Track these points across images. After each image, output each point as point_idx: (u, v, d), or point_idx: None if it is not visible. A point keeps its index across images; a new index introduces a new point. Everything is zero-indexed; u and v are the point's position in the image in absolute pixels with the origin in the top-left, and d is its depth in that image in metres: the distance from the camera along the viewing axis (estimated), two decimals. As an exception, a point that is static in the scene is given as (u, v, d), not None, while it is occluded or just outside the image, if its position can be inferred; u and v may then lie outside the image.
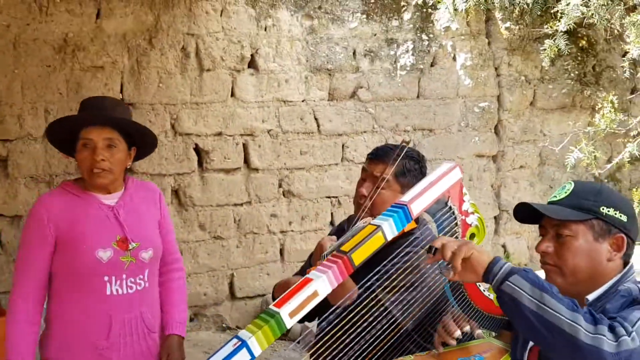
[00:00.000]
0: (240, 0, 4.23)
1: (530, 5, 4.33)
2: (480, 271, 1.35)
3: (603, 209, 1.44)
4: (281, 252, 4.49)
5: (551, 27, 4.14)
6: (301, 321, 1.40)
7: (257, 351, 1.24)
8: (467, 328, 1.53)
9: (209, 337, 4.02)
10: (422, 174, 1.89)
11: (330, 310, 1.58)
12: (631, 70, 4.27)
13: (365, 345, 1.56)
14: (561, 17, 4.01)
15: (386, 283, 1.59)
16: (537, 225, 1.55)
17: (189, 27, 4.09)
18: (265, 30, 4.30)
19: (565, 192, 1.50)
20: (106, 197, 2.01)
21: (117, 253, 1.96)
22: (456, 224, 1.57)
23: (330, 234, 2.31)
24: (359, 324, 1.57)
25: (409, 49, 4.71)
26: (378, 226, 1.42)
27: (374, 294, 1.63)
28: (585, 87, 5.10)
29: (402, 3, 4.70)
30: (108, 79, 3.90)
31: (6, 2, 3.65)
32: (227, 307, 4.34)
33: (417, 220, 1.89)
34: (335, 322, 1.54)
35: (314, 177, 4.52)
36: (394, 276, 1.57)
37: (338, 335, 1.52)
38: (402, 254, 1.57)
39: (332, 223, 4.55)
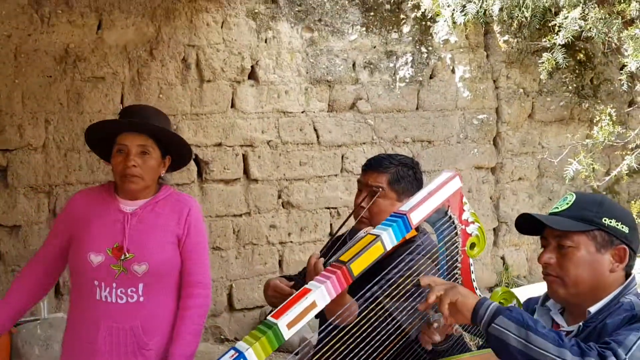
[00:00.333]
0: (241, 13, 4.26)
1: (529, 19, 4.36)
2: (468, 315, 1.37)
3: (605, 220, 1.44)
4: (280, 263, 4.48)
5: (549, 40, 4.16)
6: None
7: (254, 363, 1.22)
8: (457, 326, 1.51)
9: (207, 348, 4.00)
10: (416, 179, 1.91)
11: (329, 322, 1.58)
12: (629, 84, 4.28)
13: (365, 356, 1.55)
14: (559, 31, 4.03)
15: (389, 291, 1.58)
16: (536, 237, 1.56)
17: (190, 38, 4.11)
18: (266, 42, 4.33)
19: (567, 203, 1.50)
20: (127, 203, 2.02)
21: (108, 260, 1.95)
22: (456, 234, 1.56)
23: (327, 244, 2.32)
24: (358, 334, 1.56)
25: (408, 61, 4.74)
26: (377, 236, 1.42)
27: (376, 303, 1.62)
28: (583, 100, 5.12)
29: (402, 16, 4.74)
30: (109, 90, 3.92)
31: (8, 13, 3.67)
32: (225, 319, 4.33)
33: (417, 229, 1.89)
34: (334, 333, 1.53)
35: (313, 188, 4.52)
36: (396, 284, 1.56)
37: (337, 347, 1.51)
38: (404, 261, 1.57)
39: (331, 234, 4.55)
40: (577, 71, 5.10)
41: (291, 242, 4.49)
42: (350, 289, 1.50)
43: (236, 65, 4.24)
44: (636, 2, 3.59)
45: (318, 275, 1.50)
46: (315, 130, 4.52)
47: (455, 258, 1.58)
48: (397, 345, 1.58)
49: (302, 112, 4.47)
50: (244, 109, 4.29)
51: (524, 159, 5.18)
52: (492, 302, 1.37)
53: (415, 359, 1.62)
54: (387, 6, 4.70)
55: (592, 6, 3.81)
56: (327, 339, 1.52)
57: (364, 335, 1.53)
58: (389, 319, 1.63)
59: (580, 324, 1.43)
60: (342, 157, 4.61)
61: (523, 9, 4.26)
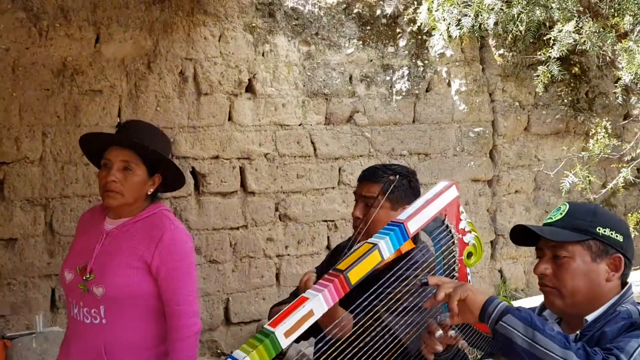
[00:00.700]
0: (238, 26, 4.29)
1: (523, 33, 4.41)
2: (476, 312, 1.37)
3: (599, 229, 1.44)
4: (277, 276, 4.47)
5: (544, 53, 4.21)
6: (297, 341, 1.38)
7: (251, 372, 1.22)
8: (452, 332, 1.50)
9: (204, 362, 3.97)
10: (411, 188, 1.92)
11: (324, 333, 1.57)
12: (624, 97, 4.33)
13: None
14: (554, 44, 4.07)
15: (387, 305, 1.58)
16: (533, 250, 1.56)
17: (187, 52, 4.13)
18: (263, 55, 4.35)
19: (561, 214, 1.51)
20: (110, 222, 1.99)
21: (76, 278, 1.94)
22: (453, 243, 1.56)
23: (327, 257, 2.31)
24: (355, 347, 1.55)
25: (405, 74, 4.77)
26: (374, 244, 1.41)
27: (373, 316, 1.62)
28: (578, 113, 5.15)
29: (398, 30, 4.78)
30: (106, 103, 3.93)
31: (6, 27, 3.69)
32: (222, 333, 4.30)
33: (415, 242, 1.89)
34: (330, 346, 1.52)
35: (310, 200, 4.52)
36: (394, 298, 1.56)
37: (335, 358, 1.51)
38: (402, 275, 1.56)
39: (328, 247, 4.54)
40: (572, 84, 5.14)
41: (288, 255, 4.47)
42: (348, 302, 1.50)
43: (233, 78, 4.26)
44: (630, 15, 3.63)
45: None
46: (313, 143, 4.53)
47: (452, 267, 1.58)
48: (395, 355, 1.57)
49: (299, 125, 4.48)
50: (241, 122, 4.30)
51: (521, 171, 5.19)
52: (501, 301, 1.37)
53: None
54: (384, 20, 4.74)
55: (586, 20, 3.85)
56: (323, 352, 1.51)
57: (360, 348, 1.53)
58: (386, 332, 1.63)
59: (578, 332, 1.43)
60: (339, 169, 4.62)
61: (518, 22, 4.31)
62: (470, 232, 1.63)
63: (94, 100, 3.90)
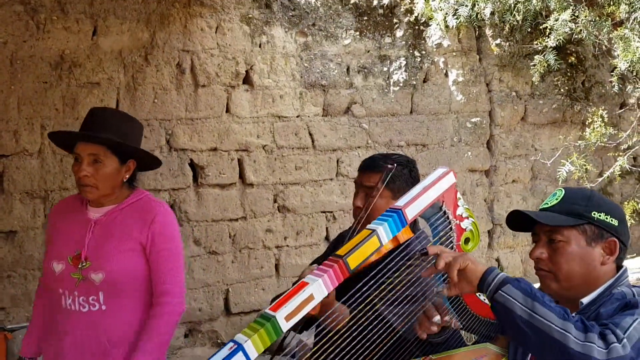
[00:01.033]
0: (234, 18, 4.28)
1: (520, 22, 4.42)
2: (475, 282, 1.37)
3: (594, 213, 1.46)
4: (276, 267, 4.49)
5: (541, 43, 4.22)
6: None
7: (253, 354, 1.24)
8: (447, 317, 1.52)
9: (204, 352, 3.99)
10: (411, 177, 1.94)
11: (319, 320, 1.58)
12: (620, 86, 4.34)
13: (362, 355, 1.55)
14: (550, 34, 4.08)
15: (383, 294, 1.59)
16: (530, 239, 1.58)
17: (184, 43, 4.13)
18: (260, 46, 4.35)
19: (556, 199, 1.53)
20: (94, 210, 2.00)
21: (68, 268, 1.93)
22: (451, 229, 1.58)
23: (329, 246, 2.33)
24: (353, 336, 1.57)
25: (402, 65, 4.77)
26: (373, 230, 1.43)
27: (371, 306, 1.63)
28: (575, 103, 5.17)
29: (395, 20, 4.78)
30: (104, 95, 3.93)
31: (3, 19, 3.69)
32: (222, 323, 4.32)
33: (414, 231, 1.91)
34: (330, 335, 1.53)
35: (308, 192, 4.54)
36: (391, 287, 1.57)
37: (334, 348, 1.52)
38: (399, 264, 1.58)
39: (327, 238, 4.56)
40: (568, 74, 5.16)
41: (287, 246, 4.49)
42: (347, 291, 1.51)
43: (230, 70, 4.26)
44: (625, 3, 3.65)
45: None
46: (310, 134, 4.54)
47: None
48: (391, 344, 1.59)
49: (297, 117, 4.49)
50: (238, 114, 4.31)
51: (517, 161, 5.21)
52: (500, 272, 1.38)
53: (408, 355, 1.64)
54: (380, 11, 4.74)
55: (582, 8, 3.86)
56: (322, 341, 1.53)
57: (358, 336, 1.54)
58: (383, 320, 1.65)
59: (573, 314, 1.45)
60: (337, 161, 4.63)
61: (514, 12, 4.32)
62: (467, 218, 1.64)
63: (92, 92, 3.90)
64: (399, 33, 4.78)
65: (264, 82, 4.36)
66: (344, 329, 1.56)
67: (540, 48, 4.28)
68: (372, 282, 1.52)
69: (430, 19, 4.64)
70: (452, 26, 4.50)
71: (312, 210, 4.55)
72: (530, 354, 1.51)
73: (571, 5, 3.92)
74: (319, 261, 2.01)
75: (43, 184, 3.82)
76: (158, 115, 4.09)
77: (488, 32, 4.98)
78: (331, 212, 4.62)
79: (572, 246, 1.45)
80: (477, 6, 4.33)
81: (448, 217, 1.59)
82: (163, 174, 4.10)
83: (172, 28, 4.09)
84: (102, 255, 1.93)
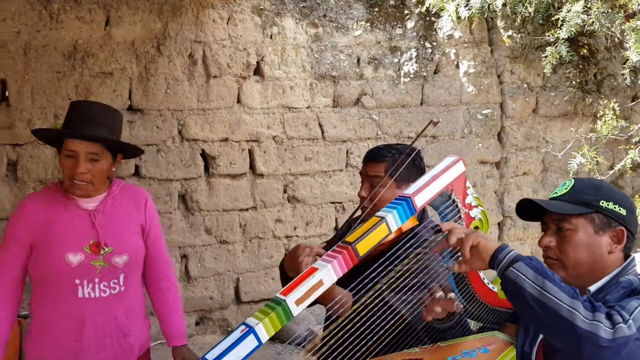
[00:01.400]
0: (246, 9, 4.29)
1: (532, 14, 4.39)
2: (487, 258, 1.38)
3: (603, 202, 1.48)
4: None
5: (552, 34, 4.19)
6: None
7: (264, 337, 1.26)
8: (452, 294, 1.52)
9: (215, 340, 4.04)
10: (415, 166, 1.94)
11: (328, 308, 1.60)
12: (632, 78, 4.31)
13: (370, 342, 1.57)
14: (562, 25, 4.05)
15: (390, 282, 1.60)
16: (540, 232, 1.59)
17: (196, 34, 4.15)
18: (271, 38, 4.36)
19: (566, 188, 1.54)
20: (86, 201, 2.02)
21: (88, 257, 1.96)
22: (460, 217, 1.58)
23: (336, 234, 2.35)
24: (361, 323, 1.58)
25: (413, 56, 4.76)
26: (382, 218, 1.44)
27: (378, 293, 1.65)
28: (586, 95, 5.14)
29: (406, 11, 4.77)
30: (117, 85, 3.96)
31: (17, 9, 3.72)
32: (232, 311, 4.37)
33: (423, 219, 1.92)
34: (338, 323, 1.55)
35: (318, 182, 4.56)
36: (399, 275, 1.58)
37: (342, 335, 1.54)
38: (407, 252, 1.59)
39: (336, 228, 4.58)
40: (580, 66, 5.12)
41: (297, 236, 4.52)
42: (354, 279, 1.53)
43: (242, 61, 4.28)
44: (638, -5, 3.62)
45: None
46: (320, 125, 4.55)
47: None
48: (398, 331, 1.60)
49: (307, 108, 4.50)
50: (249, 105, 4.33)
51: (528, 153, 5.20)
52: (512, 249, 1.39)
53: (416, 342, 1.66)
54: (392, 2, 4.73)
55: (595, 0, 3.83)
56: (329, 328, 1.55)
57: (366, 324, 1.56)
58: (391, 308, 1.67)
59: (585, 297, 1.46)
60: (347, 152, 4.64)
61: (526, 4, 4.29)
62: (476, 206, 1.65)
63: (104, 82, 3.93)
64: (410, 24, 4.77)
65: (275, 73, 4.37)
66: (350, 317, 1.58)
67: (552, 40, 4.25)
68: (380, 270, 1.54)
69: (442, 10, 4.62)
70: (464, 17, 4.48)
71: (321, 201, 4.57)
72: (538, 342, 1.52)
73: (583, -4, 3.89)
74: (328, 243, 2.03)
75: (56, 173, 3.86)
76: (170, 106, 4.12)
77: (500, 23, 4.95)
78: (340, 202, 4.64)
79: (580, 234, 1.47)
80: (489, -3, 4.31)
81: (457, 206, 1.60)
82: (175, 164, 4.14)
83: (184, 19, 4.11)
84: (121, 239, 2.02)
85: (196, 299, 4.26)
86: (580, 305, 1.27)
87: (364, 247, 1.41)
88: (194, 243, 4.23)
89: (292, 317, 1.32)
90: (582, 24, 3.90)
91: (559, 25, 4.12)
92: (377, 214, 1.48)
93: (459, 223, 1.61)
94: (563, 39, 4.09)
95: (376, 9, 4.67)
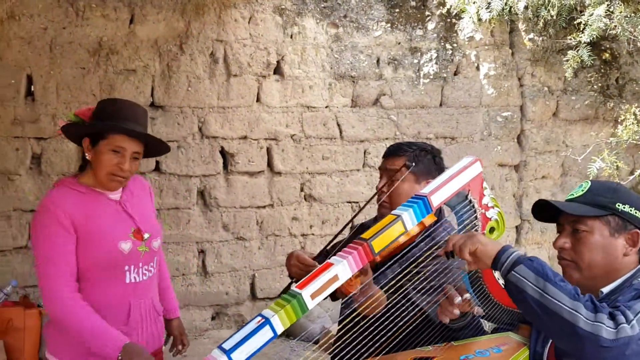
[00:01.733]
0: (267, 9, 4.33)
1: (554, 17, 4.36)
2: (489, 262, 1.41)
3: (619, 205, 1.48)
4: (302, 255, 4.54)
5: (574, 38, 4.16)
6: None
7: (279, 329, 1.28)
8: (467, 295, 1.54)
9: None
10: (435, 163, 1.94)
11: (349, 311, 1.61)
12: (655, 83, 4.26)
13: (383, 339, 1.58)
14: (584, 29, 4.02)
15: (410, 279, 1.62)
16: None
17: (218, 33, 4.20)
18: (291, 37, 4.40)
19: (582, 190, 1.55)
20: (110, 193, 2.07)
21: (135, 244, 2.04)
22: (476, 217, 1.58)
23: (352, 232, 2.37)
24: (377, 319, 1.59)
25: (433, 57, 4.76)
26: (398, 216, 1.45)
27: (398, 290, 1.65)
28: (608, 99, 5.08)
29: (427, 13, 4.77)
30: (140, 82, 4.03)
31: (44, 6, 3.80)
32: (248, 307, 4.41)
33: (439, 219, 1.92)
34: (353, 318, 1.57)
35: (335, 182, 4.58)
36: (422, 273, 1.60)
37: (359, 330, 1.55)
38: (422, 248, 1.60)
39: (352, 227, 4.58)
40: (602, 70, 5.07)
41: (313, 234, 4.55)
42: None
43: (262, 60, 4.32)
44: (663, -1, 3.57)
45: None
46: (339, 125, 4.57)
47: None
48: (411, 329, 1.61)
49: (326, 107, 4.53)
50: (269, 103, 4.37)
51: (548, 157, 5.16)
52: (514, 250, 1.40)
53: (429, 341, 1.66)
54: (413, 3, 4.73)
55: (618, 4, 3.80)
56: (347, 327, 1.56)
57: (381, 320, 1.57)
58: (408, 304, 1.68)
59: (587, 297, 1.47)
60: (365, 152, 4.65)
61: (549, 7, 4.26)
62: (493, 207, 1.65)
63: (128, 79, 4.00)
64: (430, 25, 4.77)
65: (294, 72, 4.40)
66: (377, 311, 1.59)
67: (573, 43, 4.22)
68: (395, 267, 1.55)
69: (463, 11, 4.61)
70: (485, 19, 4.47)
71: (338, 200, 4.59)
72: (550, 343, 1.53)
73: (606, 0, 3.85)
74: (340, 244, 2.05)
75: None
76: (191, 103, 4.18)
77: (521, 26, 4.92)
78: (357, 202, 4.65)
79: (595, 236, 1.47)
80: (510, 0, 4.29)
81: (474, 206, 1.60)
82: (194, 160, 4.19)
83: (207, 18, 4.16)
84: (151, 225, 2.13)
85: (212, 294, 4.31)
86: (582, 306, 1.28)
87: (379, 244, 1.42)
88: (211, 239, 4.28)
89: (307, 310, 1.34)
90: (604, 27, 3.87)
91: (581, 29, 4.09)
92: (393, 212, 1.49)
93: (475, 223, 1.62)
94: (585, 42, 4.05)
95: (397, 10, 4.68)
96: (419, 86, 4.73)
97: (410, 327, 1.62)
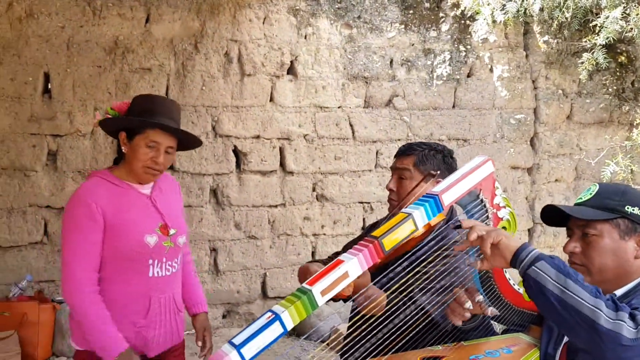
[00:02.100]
0: (282, 9, 4.35)
1: (569, 19, 4.33)
2: (509, 256, 1.37)
3: (628, 208, 1.47)
4: (313, 254, 4.56)
5: (590, 40, 4.13)
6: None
7: (289, 325, 1.29)
8: (479, 297, 1.52)
9: (240, 334, 4.09)
10: (444, 162, 1.92)
11: (353, 300, 1.62)
12: (671, 86, 4.22)
13: (393, 337, 1.59)
14: (600, 31, 4.00)
15: (417, 279, 1.61)
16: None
17: (233, 33, 4.23)
18: (305, 38, 4.41)
19: (590, 194, 1.54)
20: (141, 187, 2.13)
21: (160, 238, 2.08)
22: (487, 217, 1.57)
23: (364, 232, 2.37)
24: (386, 317, 1.60)
25: (446, 59, 4.75)
26: (409, 214, 1.45)
27: (406, 290, 1.66)
28: (623, 103, 5.04)
29: (441, 14, 4.76)
30: (155, 81, 4.06)
31: (62, 5, 3.85)
32: (259, 306, 4.43)
33: (450, 218, 1.92)
34: (363, 321, 1.57)
35: (347, 182, 4.58)
36: (430, 275, 1.59)
37: (367, 330, 1.56)
38: (435, 252, 1.60)
39: (363, 228, 4.60)
40: (617, 73, 5.03)
41: (324, 234, 4.56)
42: (379, 275, 1.55)
43: (276, 60, 4.34)
44: (680, 2, 3.54)
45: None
46: (351, 125, 4.58)
47: None
48: (420, 328, 1.60)
49: (339, 108, 4.54)
50: (282, 103, 4.39)
51: (561, 160, 5.13)
52: (534, 248, 1.38)
53: (439, 341, 1.67)
54: (427, 4, 4.73)
55: (634, 6, 3.77)
56: (354, 320, 1.57)
57: (391, 320, 1.57)
58: (417, 303, 1.68)
59: (608, 296, 1.46)
60: (377, 152, 4.66)
61: (564, 9, 4.24)
62: (504, 207, 1.63)
63: (143, 78, 4.04)
64: (444, 27, 4.76)
65: (308, 72, 4.42)
66: (377, 314, 1.60)
67: (589, 46, 4.19)
68: (405, 266, 1.55)
69: (477, 13, 4.60)
70: (500, 21, 4.45)
71: (350, 200, 4.60)
72: (562, 345, 1.52)
73: (622, 2, 3.83)
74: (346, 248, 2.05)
75: (94, 164, 3.99)
76: (205, 102, 4.21)
77: (536, 28, 4.90)
78: (369, 203, 4.65)
79: (605, 240, 1.46)
80: (525, 2, 4.27)
81: (485, 206, 1.58)
82: (208, 159, 4.22)
83: (222, 18, 4.19)
84: (178, 222, 2.17)
85: (224, 292, 4.34)
86: (603, 304, 1.27)
87: (390, 242, 1.42)
88: (223, 237, 4.30)
89: (317, 307, 1.34)
90: (620, 30, 3.84)
91: (596, 32, 4.06)
92: (403, 210, 1.49)
93: (486, 223, 1.61)
94: (600, 45, 4.03)
95: (411, 11, 4.68)
96: (432, 87, 4.72)
97: (419, 327, 1.62)
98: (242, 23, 4.26)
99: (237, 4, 4.24)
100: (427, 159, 1.90)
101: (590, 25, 4.23)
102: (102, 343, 1.95)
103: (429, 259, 1.61)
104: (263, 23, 4.32)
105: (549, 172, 5.11)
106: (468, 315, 1.52)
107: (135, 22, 4.00)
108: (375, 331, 1.58)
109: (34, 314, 3.64)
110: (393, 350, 1.58)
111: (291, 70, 4.41)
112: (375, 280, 1.61)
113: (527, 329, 1.69)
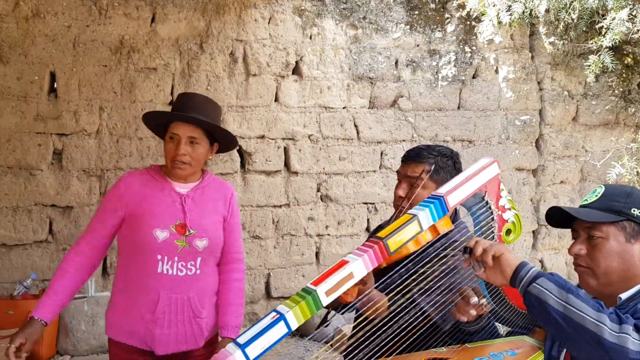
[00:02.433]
0: (287, 9, 4.35)
1: (575, 21, 4.32)
2: (509, 272, 1.38)
3: (634, 210, 1.46)
4: (317, 255, 4.56)
5: (596, 42, 4.12)
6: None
7: (294, 325, 1.29)
8: (483, 300, 1.52)
9: (244, 333, 4.10)
10: (455, 169, 1.91)
11: (356, 305, 1.62)
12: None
13: (397, 339, 1.59)
14: (606, 33, 3.98)
15: (419, 282, 1.61)
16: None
17: (238, 33, 4.23)
18: (311, 38, 4.41)
19: (596, 196, 1.53)
20: (180, 186, 2.15)
21: (173, 236, 2.07)
22: (492, 219, 1.57)
23: (369, 235, 2.36)
24: (390, 321, 1.59)
25: (451, 60, 4.74)
26: (414, 215, 1.45)
27: (408, 293, 1.65)
28: (629, 104, 5.02)
29: (446, 15, 4.76)
30: (160, 80, 4.07)
31: (68, 5, 3.86)
32: (262, 306, 4.43)
33: (454, 221, 1.91)
34: (366, 321, 1.57)
35: (351, 182, 4.58)
36: (427, 276, 1.59)
37: (369, 332, 1.56)
38: (436, 254, 1.59)
39: (368, 229, 4.60)
40: (624, 75, 5.01)
41: (328, 234, 4.55)
42: (386, 281, 1.54)
43: (281, 60, 4.34)
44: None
45: None
46: (356, 126, 4.57)
47: None
48: (424, 330, 1.60)
49: (344, 108, 4.54)
50: (287, 103, 4.39)
51: (567, 161, 5.11)
52: (534, 266, 1.37)
53: (442, 343, 1.66)
54: (432, 5, 4.73)
55: (641, 8, 3.76)
56: (357, 322, 1.57)
57: (394, 322, 1.57)
58: (421, 305, 1.67)
59: (611, 309, 1.45)
60: (381, 153, 4.65)
61: (570, 10, 4.23)
62: (510, 209, 1.63)
63: (148, 77, 4.05)
64: (450, 28, 4.76)
65: (313, 73, 4.42)
66: (380, 317, 1.59)
67: (595, 47, 4.18)
68: (410, 270, 1.55)
69: (483, 14, 4.59)
70: (505, 22, 4.44)
71: (354, 201, 4.60)
72: (566, 349, 1.52)
73: (629, 4, 3.81)
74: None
75: (99, 163, 4.00)
76: (209, 102, 4.20)
77: (542, 29, 4.89)
78: (373, 203, 4.65)
79: (610, 242, 1.45)
80: (531, 3, 4.26)
81: (490, 207, 1.58)
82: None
83: (227, 18, 4.20)
84: (205, 225, 2.13)
85: (227, 292, 4.33)
86: (607, 318, 1.26)
87: (395, 243, 1.42)
88: (227, 237, 4.30)
89: (322, 307, 1.34)
90: (626, 32, 3.83)
91: (602, 33, 4.05)
92: (409, 211, 1.49)
93: (491, 225, 1.61)
94: (607, 47, 4.01)
95: (416, 12, 4.67)
96: (437, 88, 4.71)
97: (423, 330, 1.61)
98: (247, 23, 4.26)
99: (243, 4, 4.24)
100: (440, 167, 1.88)
101: (597, 26, 4.21)
102: (40, 301, 2.07)
103: (435, 260, 1.61)
104: (268, 23, 4.32)
105: (554, 174, 5.10)
106: (474, 312, 1.52)
107: (141, 22, 4.00)
108: (378, 332, 1.58)
109: (38, 312, 3.65)
110: (397, 352, 1.58)
111: (296, 71, 4.41)
112: (377, 284, 1.60)
113: (532, 332, 1.69)
